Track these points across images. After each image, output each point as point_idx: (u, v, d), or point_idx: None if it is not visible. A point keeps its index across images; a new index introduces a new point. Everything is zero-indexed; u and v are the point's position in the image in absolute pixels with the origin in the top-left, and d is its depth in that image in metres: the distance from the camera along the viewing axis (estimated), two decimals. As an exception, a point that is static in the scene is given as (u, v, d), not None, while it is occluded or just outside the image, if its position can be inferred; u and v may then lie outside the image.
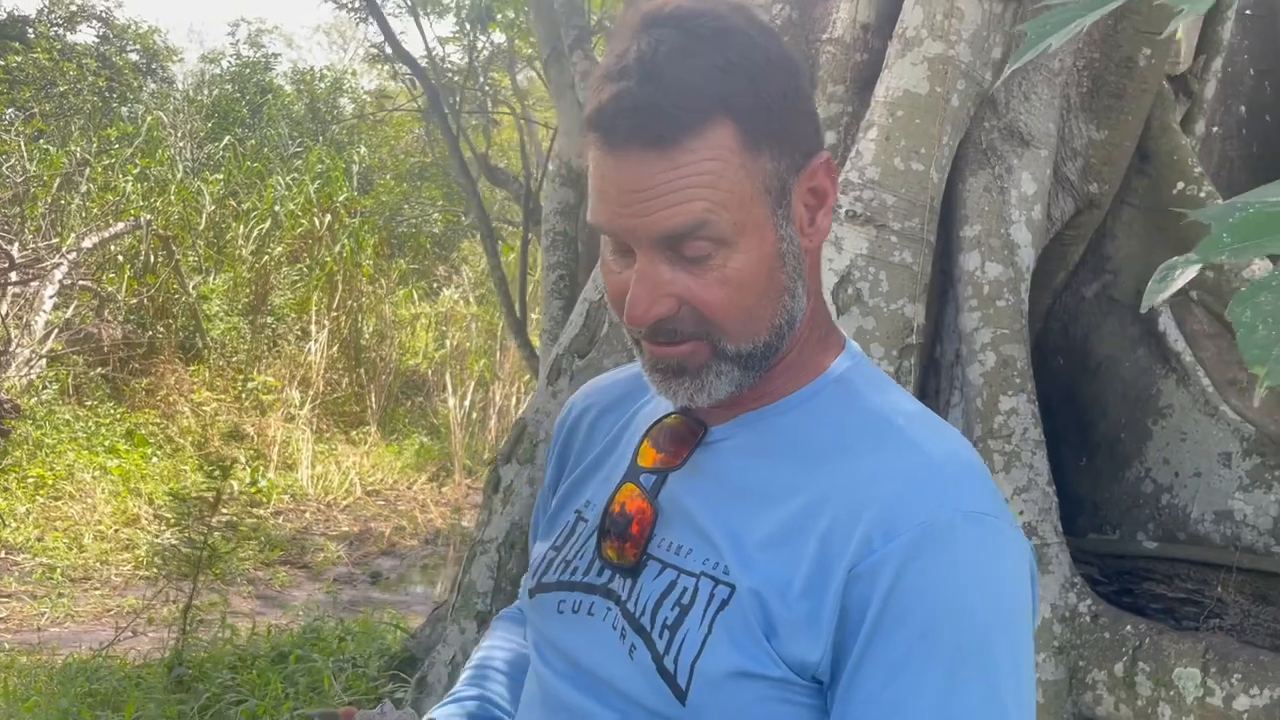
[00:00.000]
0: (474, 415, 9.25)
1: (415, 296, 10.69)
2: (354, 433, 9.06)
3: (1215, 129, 3.78)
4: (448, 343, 10.15)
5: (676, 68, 0.85)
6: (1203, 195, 2.66)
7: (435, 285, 11.20)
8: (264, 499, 7.38)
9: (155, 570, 4.68)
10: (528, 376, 9.46)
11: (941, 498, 0.86)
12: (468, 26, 7.63)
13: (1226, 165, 3.98)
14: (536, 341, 5.27)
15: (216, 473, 3.68)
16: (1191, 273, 1.01)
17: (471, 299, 10.86)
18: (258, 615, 5.48)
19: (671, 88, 0.85)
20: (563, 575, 1.04)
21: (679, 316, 0.90)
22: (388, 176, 10.94)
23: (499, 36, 8.06)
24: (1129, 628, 2.30)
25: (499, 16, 7.25)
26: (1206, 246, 0.92)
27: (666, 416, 1.03)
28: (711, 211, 0.86)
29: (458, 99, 5.80)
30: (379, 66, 11.45)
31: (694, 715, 0.89)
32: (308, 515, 7.65)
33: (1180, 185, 2.68)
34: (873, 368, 1.03)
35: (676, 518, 0.97)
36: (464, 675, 1.22)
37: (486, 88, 7.82)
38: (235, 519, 4.37)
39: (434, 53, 7.09)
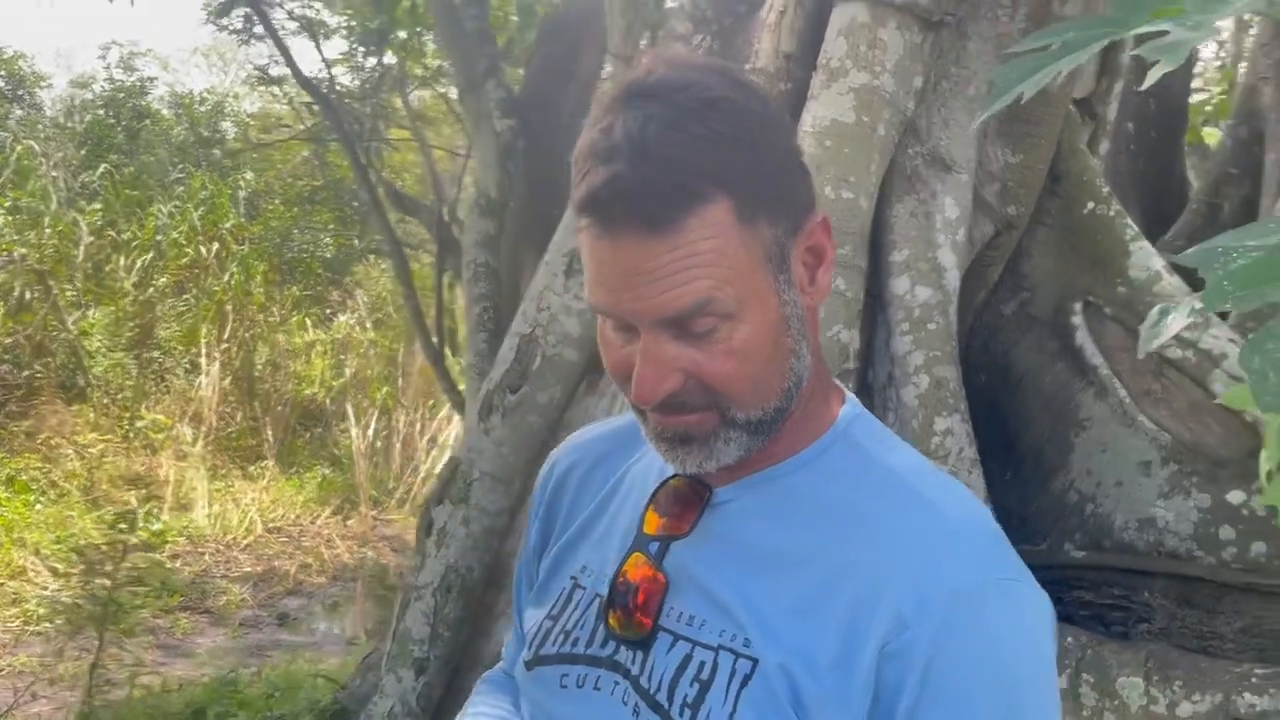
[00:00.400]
0: (377, 444, 9.05)
1: (309, 324, 10.40)
2: (251, 468, 8.76)
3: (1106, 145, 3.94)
4: (346, 370, 9.90)
5: (666, 146, 0.83)
6: (1112, 214, 2.76)
7: (329, 311, 10.92)
8: (159, 543, 7.07)
9: (53, 626, 4.43)
10: (432, 403, 9.30)
11: (968, 567, 0.87)
12: (359, 48, 7.49)
13: (1117, 180, 4.16)
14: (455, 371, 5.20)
15: (122, 525, 3.49)
16: (1186, 319, 1.03)
17: (368, 324, 10.63)
18: (161, 667, 5.24)
19: (663, 168, 0.83)
20: (563, 647, 1.00)
21: (686, 389, 0.89)
22: (276, 201, 10.62)
23: (390, 58, 7.93)
24: (1070, 640, 2.36)
25: (391, 37, 7.13)
26: (1210, 295, 0.95)
27: (670, 479, 1.01)
28: (715, 289, 0.85)
29: (359, 122, 5.66)
30: (261, 89, 11.14)
31: None
32: (207, 557, 7.35)
33: (1090, 205, 2.78)
34: (874, 420, 1.04)
35: (686, 586, 0.94)
36: None
37: (379, 109, 7.67)
38: (139, 570, 4.16)
39: (330, 75, 6.94)
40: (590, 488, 1.11)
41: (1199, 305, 0.94)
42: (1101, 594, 2.74)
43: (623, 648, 0.96)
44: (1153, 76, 1.03)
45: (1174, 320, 1.03)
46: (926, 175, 2.55)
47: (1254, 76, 4.01)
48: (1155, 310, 1.01)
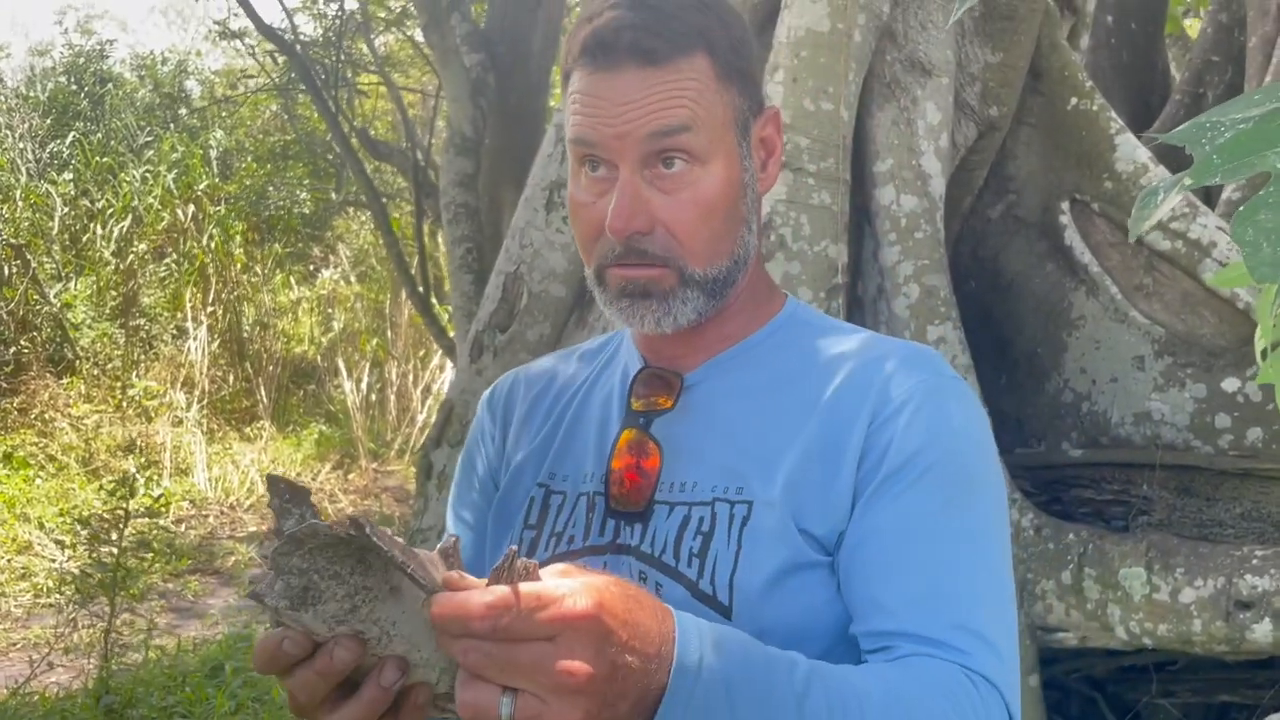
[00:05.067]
0: (372, 397, 9.03)
1: (293, 281, 10.31)
2: (247, 429, 8.74)
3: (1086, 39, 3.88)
4: (335, 325, 9.85)
5: (662, 2, 0.97)
6: (1095, 109, 2.73)
7: (312, 267, 10.83)
8: (162, 509, 7.08)
9: (63, 597, 4.45)
10: (423, 353, 9.27)
11: (926, 370, 1.00)
12: (319, -5, 7.33)
13: (1100, 75, 4.10)
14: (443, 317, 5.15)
15: (121, 491, 3.49)
16: (1175, 198, 1.02)
17: (353, 278, 10.54)
18: (175, 629, 5.28)
19: (660, 16, 0.96)
20: (558, 548, 1.03)
21: (652, 237, 0.98)
22: (248, 159, 10.47)
23: (351, 2, 7.75)
24: (1072, 536, 2.38)
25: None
26: (1199, 170, 0.93)
27: (640, 371, 1.07)
28: (694, 118, 0.96)
29: (327, 70, 5.53)
30: (223, 44, 10.91)
31: (741, 625, 0.91)
32: (211, 519, 7.37)
33: (1073, 101, 2.74)
34: (814, 310, 1.15)
35: (674, 457, 1.01)
36: None
37: (345, 56, 7.52)
38: (145, 535, 4.16)
39: (292, 23, 6.78)
40: (541, 407, 1.13)
41: (1188, 181, 0.92)
42: (1100, 490, 2.76)
43: (623, 526, 1.00)
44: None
45: (1164, 200, 1.02)
46: (906, 81, 2.51)
47: (1232, -39, 3.94)
48: (1143, 192, 0.99)
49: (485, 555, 1.10)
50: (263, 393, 8.96)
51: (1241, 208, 0.90)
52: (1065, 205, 2.78)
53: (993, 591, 0.93)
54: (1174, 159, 3.25)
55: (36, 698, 3.84)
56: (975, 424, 1.00)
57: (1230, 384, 2.54)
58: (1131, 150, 2.66)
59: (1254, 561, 2.10)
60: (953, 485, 0.94)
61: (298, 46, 4.95)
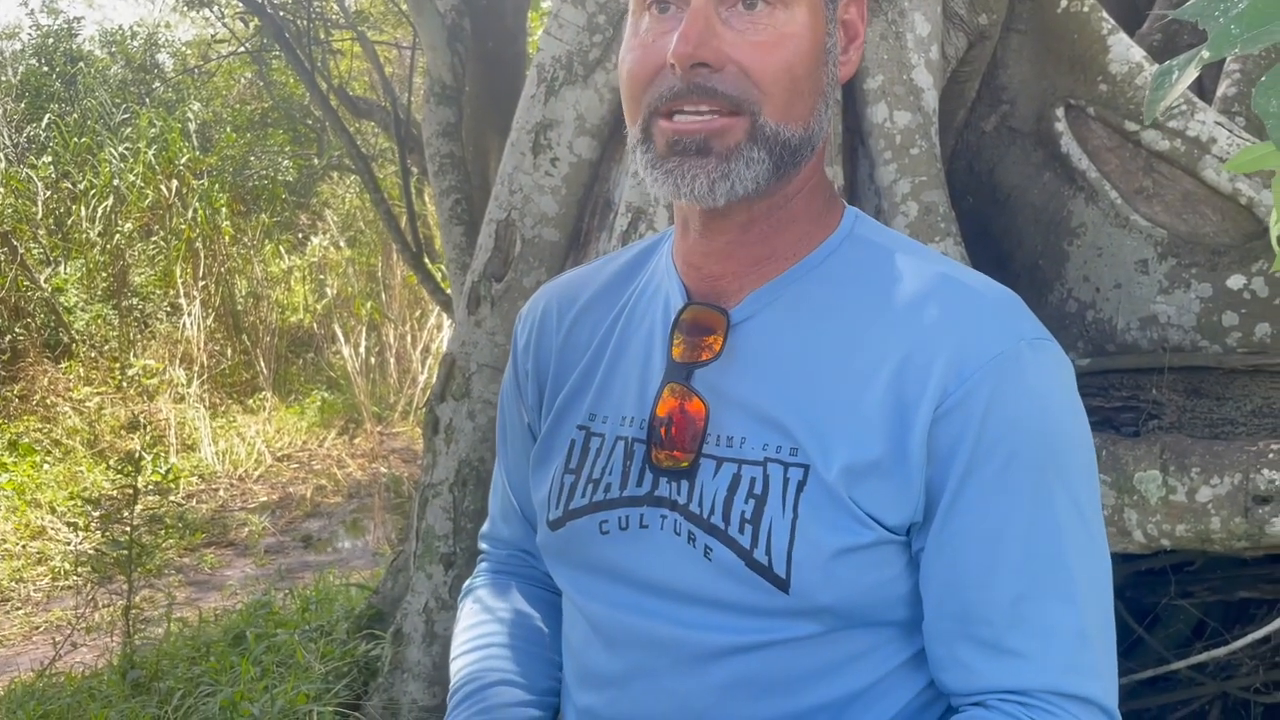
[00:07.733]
0: (371, 361, 9.02)
1: (282, 250, 10.25)
2: (249, 401, 8.75)
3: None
4: (328, 292, 9.80)
5: None
6: (1086, 9, 2.66)
7: (300, 235, 10.75)
8: (172, 485, 7.10)
9: (81, 578, 4.47)
10: (419, 313, 9.24)
11: (1001, 331, 0.89)
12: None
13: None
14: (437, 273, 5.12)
15: (129, 468, 3.48)
16: (1191, 74, 0.98)
17: (342, 243, 10.48)
18: (195, 602, 5.31)
19: None
20: (595, 495, 0.98)
21: (722, 75, 0.87)
22: (227, 129, 10.34)
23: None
24: (1085, 444, 2.37)
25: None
26: (1217, 41, 0.90)
27: (681, 312, 0.98)
28: None
29: (299, 30, 5.43)
30: (192, 14, 10.72)
31: (799, 601, 0.87)
32: (221, 493, 7.40)
33: (1063, 3, 2.67)
34: (874, 220, 1.04)
35: (722, 408, 0.93)
36: (457, 681, 1.10)
37: (316, 15, 7.38)
38: (156, 511, 4.17)
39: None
40: (580, 336, 1.06)
41: (1206, 54, 0.89)
42: (1110, 398, 2.74)
43: (664, 480, 0.94)
44: None
45: (1179, 78, 0.98)
46: (891, -7, 2.45)
47: None
48: (1157, 70, 0.95)
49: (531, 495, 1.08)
50: (262, 364, 8.95)
51: (1264, 78, 0.87)
52: (1060, 112, 2.73)
53: (1088, 582, 0.87)
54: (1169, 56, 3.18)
55: (63, 678, 3.87)
56: (1059, 391, 0.89)
57: (1236, 281, 2.51)
58: (1125, 50, 2.60)
59: (1270, 456, 2.09)
60: (1039, 471, 0.86)
61: (267, 6, 4.85)
